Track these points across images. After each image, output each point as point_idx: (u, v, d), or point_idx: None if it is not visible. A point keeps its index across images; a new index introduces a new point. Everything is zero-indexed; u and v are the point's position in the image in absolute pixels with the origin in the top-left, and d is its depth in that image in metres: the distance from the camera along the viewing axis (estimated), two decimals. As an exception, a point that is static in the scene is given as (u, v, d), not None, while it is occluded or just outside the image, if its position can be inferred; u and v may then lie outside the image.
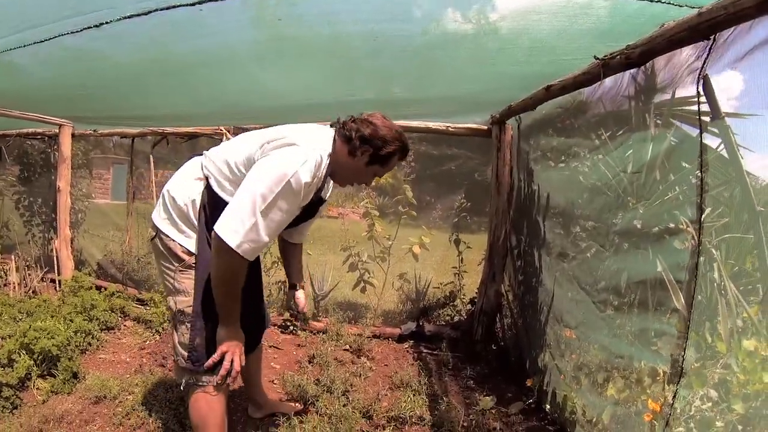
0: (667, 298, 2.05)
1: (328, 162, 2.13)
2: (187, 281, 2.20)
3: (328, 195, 2.47)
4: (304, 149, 2.01)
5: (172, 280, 2.23)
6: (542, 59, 2.68)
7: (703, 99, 1.80)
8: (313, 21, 2.37)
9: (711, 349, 1.93)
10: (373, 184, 2.58)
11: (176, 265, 2.21)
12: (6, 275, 5.50)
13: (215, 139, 5.05)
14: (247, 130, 4.86)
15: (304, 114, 4.39)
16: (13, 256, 5.53)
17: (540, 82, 3.02)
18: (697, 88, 1.81)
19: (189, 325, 2.18)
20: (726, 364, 1.90)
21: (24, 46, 2.70)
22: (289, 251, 2.84)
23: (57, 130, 5.76)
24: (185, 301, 2.20)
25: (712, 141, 1.86)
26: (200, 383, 2.17)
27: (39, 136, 6.38)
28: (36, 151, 6.68)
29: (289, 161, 1.95)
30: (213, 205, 2.15)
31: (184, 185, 2.23)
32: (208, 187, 2.18)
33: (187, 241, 2.20)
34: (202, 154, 2.32)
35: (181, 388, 2.23)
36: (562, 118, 3.15)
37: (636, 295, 2.28)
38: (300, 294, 2.82)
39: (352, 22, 2.36)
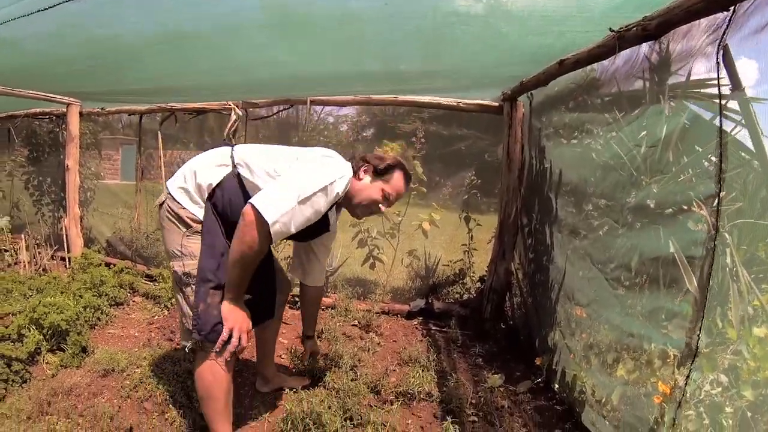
0: (680, 278, 2.01)
1: (348, 186, 2.37)
2: (194, 245, 2.26)
3: (332, 225, 2.70)
4: (343, 166, 2.32)
5: (178, 246, 2.28)
6: (554, 31, 2.63)
7: (723, 75, 1.74)
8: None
9: (721, 336, 1.90)
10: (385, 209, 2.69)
11: (184, 230, 2.28)
12: (17, 254, 5.53)
13: (224, 114, 5.01)
14: (255, 105, 4.83)
15: (312, 87, 4.36)
16: (23, 235, 5.55)
17: (552, 57, 2.97)
18: (717, 58, 1.75)
19: (195, 287, 2.23)
20: (736, 351, 1.87)
21: (28, 14, 2.67)
22: (307, 296, 2.99)
23: (65, 109, 5.76)
24: (192, 264, 2.25)
25: (726, 126, 1.81)
26: (204, 348, 2.22)
27: (47, 116, 6.39)
28: (44, 131, 6.69)
29: (333, 170, 2.23)
30: (237, 198, 2.26)
31: (209, 168, 2.31)
32: (237, 175, 2.29)
33: (197, 211, 2.28)
34: (230, 146, 2.44)
35: (186, 350, 2.29)
36: (575, 95, 3.08)
37: (648, 273, 2.24)
38: (310, 343, 3.15)
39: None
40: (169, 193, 2.31)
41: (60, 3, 2.49)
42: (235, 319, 2.17)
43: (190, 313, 2.23)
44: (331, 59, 3.47)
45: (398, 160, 2.57)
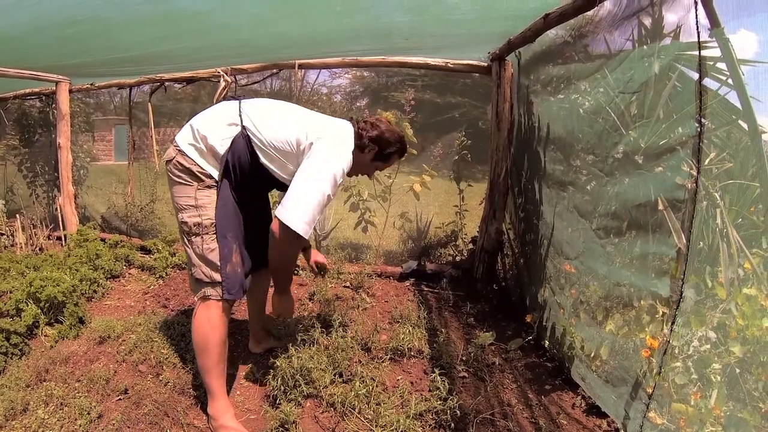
0: (664, 223, 2.03)
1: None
2: (205, 198, 2.34)
3: None
4: (347, 150, 2.43)
5: (190, 199, 2.34)
6: None
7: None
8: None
9: (711, 296, 1.93)
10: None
11: (196, 184, 2.34)
12: (13, 236, 5.56)
13: (213, 82, 5.00)
14: (244, 71, 4.81)
15: (301, 49, 4.33)
16: (18, 216, 5.57)
17: (538, 12, 2.97)
18: None
19: (205, 237, 2.33)
20: (725, 309, 1.89)
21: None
22: None
23: (54, 88, 5.73)
24: (205, 215, 2.34)
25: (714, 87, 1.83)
26: (211, 296, 2.34)
27: (37, 96, 6.36)
28: (35, 111, 6.67)
29: (341, 162, 2.33)
30: (245, 156, 2.37)
31: (219, 128, 2.35)
32: (246, 137, 2.35)
33: (208, 167, 2.34)
34: (236, 99, 2.52)
35: (196, 299, 2.39)
36: (561, 49, 3.07)
37: (634, 221, 2.26)
38: (311, 252, 3.08)
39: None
40: (179, 149, 2.35)
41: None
42: (285, 309, 2.58)
43: (200, 264, 2.34)
44: (318, 18, 3.44)
45: (400, 144, 2.69)
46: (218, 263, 2.32)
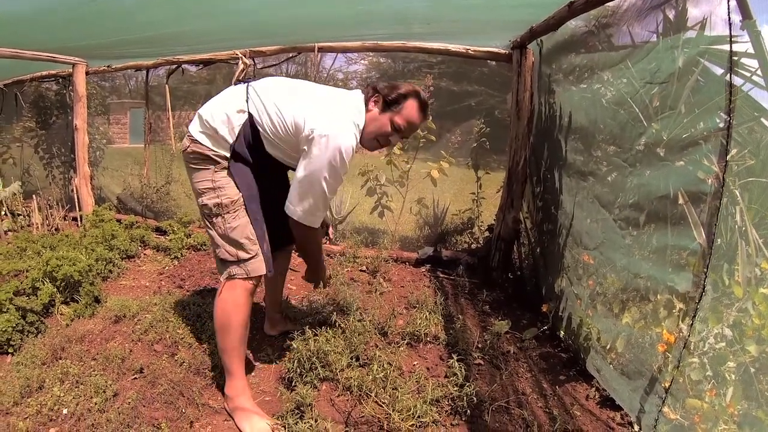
0: (686, 219, 1.99)
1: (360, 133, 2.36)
2: (222, 179, 2.32)
3: None
4: (349, 125, 2.25)
5: (209, 181, 2.32)
6: None
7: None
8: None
9: (727, 294, 1.89)
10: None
11: (212, 167, 2.32)
12: (29, 217, 5.59)
13: (231, 64, 4.97)
14: (263, 53, 4.78)
15: (320, 32, 4.29)
16: (34, 197, 5.59)
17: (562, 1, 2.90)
18: None
19: (226, 216, 2.32)
20: (742, 308, 1.86)
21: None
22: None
23: (71, 70, 5.73)
24: (225, 195, 2.31)
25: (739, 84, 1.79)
26: (236, 275, 2.31)
27: (53, 78, 6.37)
28: (51, 93, 6.69)
29: (342, 143, 2.16)
30: (254, 144, 2.36)
31: (225, 116, 2.31)
32: (252, 126, 2.32)
33: (222, 151, 2.32)
34: (245, 82, 2.44)
35: (222, 280, 2.37)
36: (585, 38, 3.01)
37: (656, 213, 2.22)
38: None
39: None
40: (192, 138, 2.33)
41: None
42: (321, 277, 2.72)
43: (223, 243, 2.32)
44: (337, 2, 3.42)
45: (412, 88, 2.39)
46: (242, 240, 2.29)
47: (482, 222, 4.82)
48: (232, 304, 2.30)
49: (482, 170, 4.80)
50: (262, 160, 2.40)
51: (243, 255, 2.29)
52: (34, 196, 5.65)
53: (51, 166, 6.71)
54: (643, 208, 2.32)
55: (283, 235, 2.45)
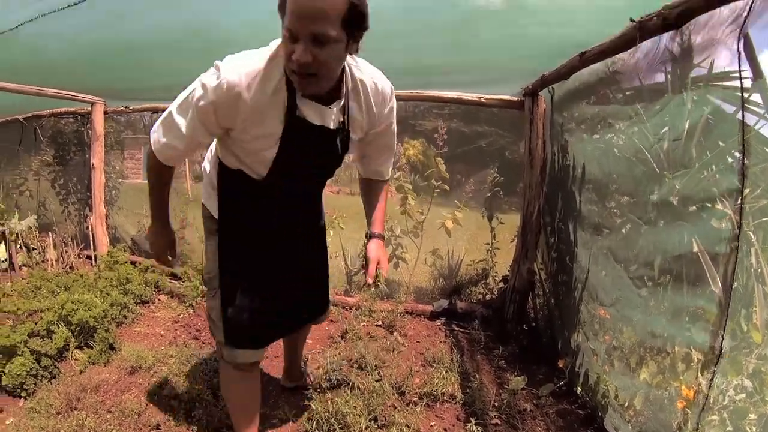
0: (703, 276, 1.96)
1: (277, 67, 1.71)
2: (210, 247, 2.16)
3: (333, 124, 1.89)
4: (238, 70, 1.68)
5: (208, 247, 2.18)
6: (574, 23, 2.63)
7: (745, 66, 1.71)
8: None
9: (745, 339, 1.86)
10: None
11: (210, 233, 2.17)
12: (44, 252, 5.62)
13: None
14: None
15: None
16: (50, 233, 5.63)
17: (573, 49, 2.93)
18: (738, 47, 1.71)
19: (207, 294, 2.19)
20: (761, 355, 1.84)
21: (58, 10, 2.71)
22: (364, 189, 2.38)
23: (89, 108, 5.82)
24: (208, 268, 2.18)
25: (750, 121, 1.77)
26: (222, 357, 2.21)
27: (72, 115, 6.46)
28: (69, 130, 6.76)
29: (206, 78, 1.72)
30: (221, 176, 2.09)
31: (211, 158, 2.17)
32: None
33: (213, 207, 2.15)
34: None
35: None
36: (597, 88, 3.04)
37: (672, 272, 2.20)
38: (373, 246, 2.24)
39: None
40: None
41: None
42: (156, 246, 2.24)
43: (209, 322, 2.23)
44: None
45: None
46: (219, 323, 2.11)
47: (496, 272, 4.81)
48: (224, 386, 2.31)
49: (496, 220, 4.81)
50: (251, 199, 2.06)
51: (220, 337, 2.14)
52: (50, 233, 5.68)
53: (67, 202, 6.75)
54: (658, 265, 2.30)
55: (308, 309, 2.40)
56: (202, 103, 1.69)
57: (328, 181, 2.33)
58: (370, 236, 2.27)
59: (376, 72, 1.96)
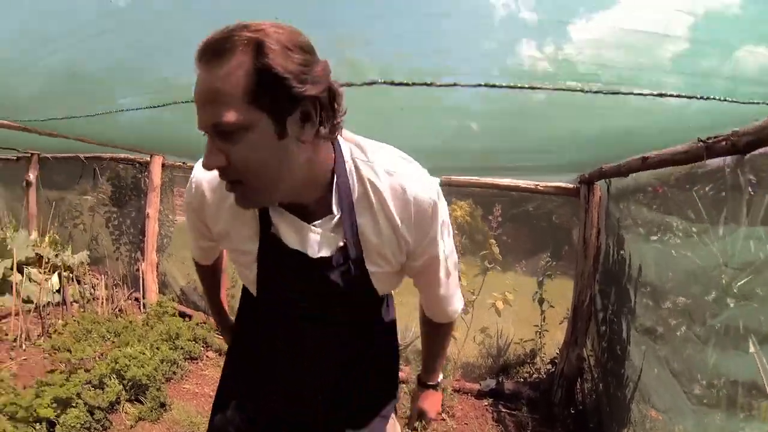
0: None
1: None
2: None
3: (323, 249, 1.30)
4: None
5: None
6: (640, 122, 2.53)
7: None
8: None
9: None
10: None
11: None
12: (94, 289, 5.75)
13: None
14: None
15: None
16: (102, 276, 5.76)
17: (635, 147, 2.92)
18: None
19: None
20: None
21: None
22: (422, 321, 1.74)
23: (148, 159, 6.04)
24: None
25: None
26: None
27: (131, 162, 6.70)
28: (128, 175, 6.97)
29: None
30: None
31: None
32: None
33: None
34: None
35: None
36: (656, 194, 3.04)
37: (728, 396, 2.13)
38: (422, 396, 1.85)
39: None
40: None
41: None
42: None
43: None
44: (412, 138, 3.42)
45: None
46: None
47: (544, 353, 4.76)
48: None
49: (546, 303, 4.78)
50: (268, 331, 1.59)
51: None
52: (102, 276, 5.81)
53: (119, 242, 6.93)
54: (715, 388, 2.23)
55: None
56: (185, 200, 1.44)
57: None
58: (420, 383, 1.86)
59: (406, 170, 1.29)
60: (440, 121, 3.05)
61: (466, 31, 2.01)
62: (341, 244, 1.28)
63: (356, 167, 1.24)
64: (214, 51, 1.02)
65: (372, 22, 1.99)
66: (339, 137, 1.24)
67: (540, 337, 4.80)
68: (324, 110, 1.10)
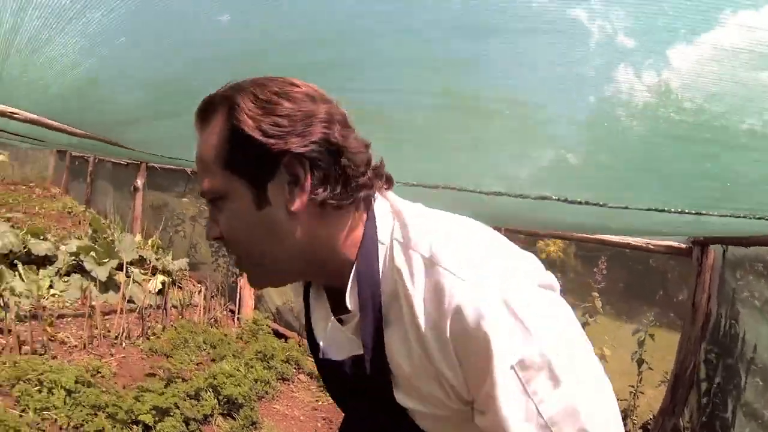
0: None
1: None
2: None
3: (340, 352, 1.03)
4: None
5: None
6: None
7: None
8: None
9: None
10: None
11: None
12: (191, 295, 6.05)
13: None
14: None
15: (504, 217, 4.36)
16: (201, 287, 6.05)
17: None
18: None
19: None
20: None
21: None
22: None
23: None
24: None
25: None
26: None
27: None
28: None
29: None
30: None
31: None
32: None
33: None
34: None
35: None
36: None
37: None
38: None
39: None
40: None
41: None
42: None
43: None
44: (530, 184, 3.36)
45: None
46: None
47: (636, 417, 4.56)
48: None
49: (645, 364, 4.60)
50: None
51: None
52: (201, 286, 6.08)
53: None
54: None
55: None
56: None
57: None
58: None
59: (460, 260, 0.81)
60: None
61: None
62: (359, 352, 0.94)
63: (388, 256, 0.89)
64: (198, 114, 0.93)
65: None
66: (382, 206, 0.96)
67: (634, 398, 4.61)
68: (321, 169, 0.85)
